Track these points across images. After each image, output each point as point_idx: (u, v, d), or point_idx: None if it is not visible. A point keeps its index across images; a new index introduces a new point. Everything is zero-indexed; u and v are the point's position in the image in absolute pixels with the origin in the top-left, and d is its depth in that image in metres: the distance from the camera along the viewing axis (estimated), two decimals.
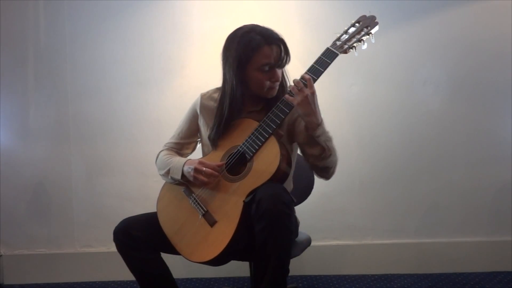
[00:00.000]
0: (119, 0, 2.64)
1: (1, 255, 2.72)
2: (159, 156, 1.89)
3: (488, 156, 2.61)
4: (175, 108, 2.55)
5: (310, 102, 1.56)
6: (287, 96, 1.61)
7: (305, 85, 1.58)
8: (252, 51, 1.64)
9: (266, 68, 1.67)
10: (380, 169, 2.64)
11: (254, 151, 1.63)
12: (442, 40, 2.59)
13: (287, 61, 1.71)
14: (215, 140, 1.76)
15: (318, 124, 1.59)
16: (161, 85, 2.66)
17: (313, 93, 1.57)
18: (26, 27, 2.67)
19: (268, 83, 1.69)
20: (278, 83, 1.72)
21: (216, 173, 1.66)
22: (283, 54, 1.68)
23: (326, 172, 1.69)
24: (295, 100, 1.58)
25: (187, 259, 1.67)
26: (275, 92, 1.73)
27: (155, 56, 2.65)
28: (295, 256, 1.76)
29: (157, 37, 2.64)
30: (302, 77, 1.60)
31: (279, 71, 1.71)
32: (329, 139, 1.63)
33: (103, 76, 2.67)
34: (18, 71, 2.68)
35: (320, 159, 1.63)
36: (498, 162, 2.61)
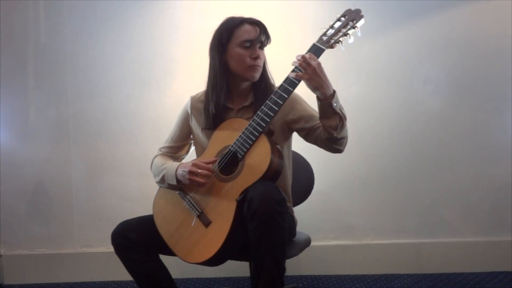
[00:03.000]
0: (119, 0, 2.64)
1: (1, 255, 2.72)
2: (153, 162, 1.89)
3: (488, 156, 2.61)
4: (175, 108, 2.52)
5: (319, 74, 1.56)
6: (294, 73, 1.59)
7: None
8: (232, 27, 1.74)
9: (247, 44, 1.72)
10: (380, 169, 2.64)
11: (246, 150, 1.64)
12: (442, 40, 2.59)
13: (268, 42, 1.77)
14: (208, 122, 1.78)
15: (332, 93, 1.59)
16: (161, 85, 2.66)
17: (319, 64, 1.57)
18: (26, 27, 2.67)
19: (248, 60, 1.72)
20: (259, 62, 1.75)
21: (211, 173, 1.66)
22: (263, 34, 1.75)
23: (341, 144, 1.69)
24: (305, 75, 1.56)
25: (184, 261, 1.67)
26: (257, 74, 1.75)
27: (155, 56, 2.65)
28: (294, 256, 1.77)
29: (157, 37, 2.64)
30: (303, 55, 1.58)
31: (260, 52, 1.75)
32: (342, 107, 1.63)
33: (103, 76, 2.68)
34: (18, 71, 2.69)
35: (338, 129, 1.62)
36: (498, 162, 2.61)
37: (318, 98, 1.60)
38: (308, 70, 1.55)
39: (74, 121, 2.69)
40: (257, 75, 1.76)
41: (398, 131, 2.63)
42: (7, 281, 2.70)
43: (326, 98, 1.58)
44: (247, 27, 1.74)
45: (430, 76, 2.61)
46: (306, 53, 1.61)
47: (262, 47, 1.77)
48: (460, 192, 2.63)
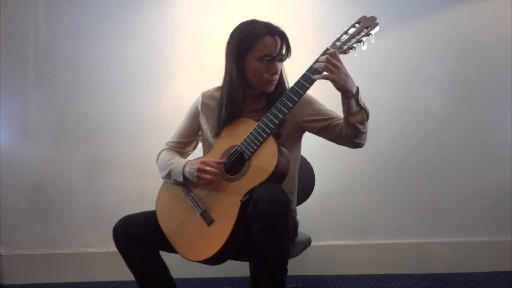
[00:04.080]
0: (119, 0, 2.64)
1: (1, 255, 2.72)
2: (160, 156, 1.89)
3: (488, 156, 2.61)
4: (175, 108, 2.54)
5: (345, 73, 1.55)
6: (319, 75, 1.55)
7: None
8: (254, 39, 1.66)
9: (267, 58, 1.67)
10: (380, 169, 2.64)
11: (252, 150, 1.64)
12: (442, 40, 2.59)
13: (288, 56, 1.72)
14: (219, 130, 1.77)
15: (357, 89, 1.58)
16: (161, 85, 2.66)
17: (342, 63, 1.56)
18: (26, 27, 2.67)
19: (266, 75, 1.69)
20: (276, 77, 1.72)
21: (219, 171, 1.66)
22: (284, 47, 1.69)
23: (363, 139, 1.69)
24: (331, 75, 1.52)
25: (184, 258, 1.68)
26: (272, 87, 1.73)
27: (155, 56, 2.65)
28: (294, 256, 1.77)
29: (157, 37, 2.64)
30: (327, 53, 1.56)
31: (278, 65, 1.71)
32: (364, 101, 1.63)
33: (103, 76, 2.67)
34: (18, 71, 2.68)
35: (364, 123, 1.62)
36: (498, 162, 2.61)
37: (344, 96, 1.58)
38: (335, 70, 1.53)
39: (74, 121, 2.69)
40: (272, 89, 1.74)
41: (398, 131, 2.63)
42: (7, 281, 2.70)
43: (353, 95, 1.57)
44: (268, 40, 1.67)
45: (430, 76, 2.61)
46: (316, 61, 1.59)
47: (281, 60, 1.73)
48: (460, 192, 2.63)
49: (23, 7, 2.66)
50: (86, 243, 2.71)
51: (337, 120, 1.71)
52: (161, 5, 2.63)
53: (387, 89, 2.62)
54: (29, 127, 2.70)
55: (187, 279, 2.62)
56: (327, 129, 1.73)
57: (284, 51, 1.70)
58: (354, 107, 1.59)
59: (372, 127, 2.59)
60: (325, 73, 1.54)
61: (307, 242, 1.92)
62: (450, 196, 2.63)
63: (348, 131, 1.64)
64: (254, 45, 1.67)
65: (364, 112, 1.62)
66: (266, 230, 1.47)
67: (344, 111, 1.62)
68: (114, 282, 2.63)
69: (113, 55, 2.66)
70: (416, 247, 2.64)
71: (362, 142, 1.70)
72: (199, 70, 2.61)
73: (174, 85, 2.66)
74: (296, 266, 2.60)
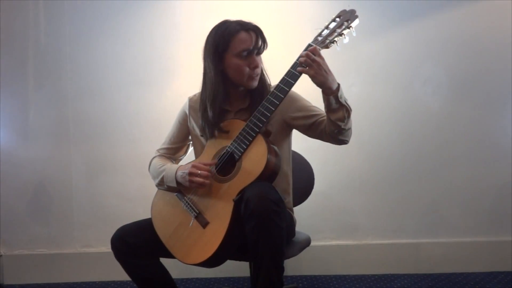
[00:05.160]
0: (120, 0, 2.64)
1: (1, 255, 2.72)
2: (152, 164, 1.89)
3: (488, 156, 2.61)
4: (175, 108, 2.52)
5: (325, 69, 1.56)
6: (300, 68, 1.58)
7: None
8: (229, 36, 1.69)
9: (245, 53, 1.69)
10: (380, 169, 2.64)
11: (242, 150, 1.64)
12: (442, 39, 2.59)
13: (265, 47, 1.74)
14: (212, 132, 1.76)
15: (338, 86, 1.59)
16: (161, 85, 2.66)
17: (323, 59, 1.57)
18: (26, 27, 2.67)
19: (247, 69, 1.70)
20: (258, 70, 1.73)
21: (210, 174, 1.67)
22: (260, 40, 1.71)
23: (347, 135, 1.69)
24: (310, 70, 1.55)
25: (182, 262, 1.67)
26: (255, 83, 1.74)
27: (155, 56, 2.65)
28: (293, 256, 1.77)
29: (157, 37, 2.64)
30: (307, 50, 1.58)
31: (257, 58, 1.73)
32: (346, 98, 1.63)
33: (103, 76, 2.68)
34: (18, 71, 2.69)
35: (345, 121, 1.62)
36: (498, 162, 2.61)
37: (324, 92, 1.60)
38: (314, 65, 1.55)
39: (74, 121, 2.69)
40: (255, 83, 1.74)
41: (398, 131, 2.63)
42: (7, 281, 2.70)
43: (333, 92, 1.58)
44: (243, 35, 1.69)
45: (430, 76, 2.61)
46: (303, 52, 1.59)
47: (259, 53, 1.74)
48: (460, 192, 2.63)
49: (23, 7, 2.66)
50: (86, 243, 2.72)
51: (322, 117, 1.71)
52: (161, 5, 2.64)
53: (387, 89, 2.62)
54: (29, 127, 2.70)
55: (187, 279, 2.62)
56: (313, 126, 1.73)
57: (260, 43, 1.72)
58: (334, 104, 1.60)
59: (372, 127, 2.63)
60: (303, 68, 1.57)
61: (306, 242, 1.91)
62: (450, 196, 2.63)
63: (331, 127, 1.64)
64: (230, 43, 1.69)
65: (345, 110, 1.61)
66: (259, 229, 1.48)
67: (324, 107, 1.63)
68: (114, 282, 2.64)
69: (113, 55, 2.67)
70: (416, 247, 2.64)
71: (346, 139, 1.70)
72: (199, 70, 2.59)
73: (174, 85, 2.66)
74: (296, 266, 2.60)
